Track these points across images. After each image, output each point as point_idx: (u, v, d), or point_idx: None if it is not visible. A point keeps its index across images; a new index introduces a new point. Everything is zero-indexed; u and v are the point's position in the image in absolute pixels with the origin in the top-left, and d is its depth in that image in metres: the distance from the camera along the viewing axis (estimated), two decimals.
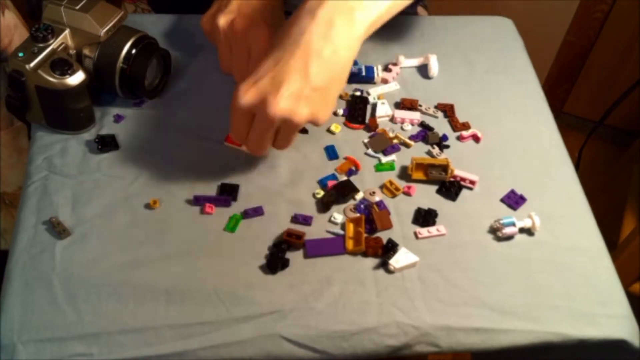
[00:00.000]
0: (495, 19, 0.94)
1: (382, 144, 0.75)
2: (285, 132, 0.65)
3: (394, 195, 0.71)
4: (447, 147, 0.76)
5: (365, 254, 0.66)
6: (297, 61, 0.61)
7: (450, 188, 0.71)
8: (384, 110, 0.79)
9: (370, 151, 0.74)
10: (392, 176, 0.73)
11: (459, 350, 0.61)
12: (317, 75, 0.61)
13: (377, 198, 0.70)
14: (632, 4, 1.56)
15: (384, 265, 0.65)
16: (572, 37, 1.69)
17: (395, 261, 0.64)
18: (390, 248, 0.66)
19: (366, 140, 0.76)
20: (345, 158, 0.74)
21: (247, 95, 0.61)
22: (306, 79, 0.61)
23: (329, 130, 0.77)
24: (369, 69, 0.83)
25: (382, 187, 0.72)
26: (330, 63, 0.62)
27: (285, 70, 0.61)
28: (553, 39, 1.70)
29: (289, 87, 0.60)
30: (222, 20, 0.71)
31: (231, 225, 0.67)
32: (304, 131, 0.76)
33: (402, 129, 0.78)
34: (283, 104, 0.60)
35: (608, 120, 1.43)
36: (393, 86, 0.82)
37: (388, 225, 0.68)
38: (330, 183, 0.71)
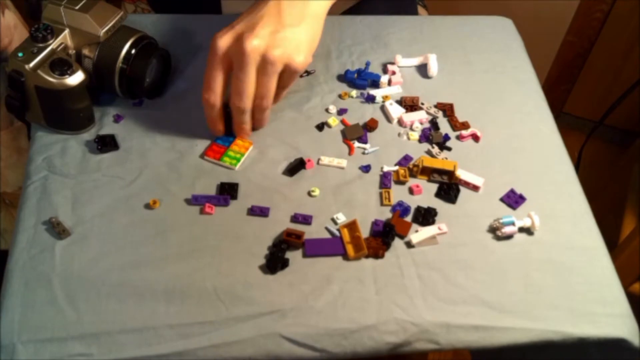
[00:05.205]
0: (495, 19, 0.94)
1: (356, 132, 0.77)
2: (265, 77, 0.66)
3: (398, 180, 0.71)
4: (448, 149, 0.76)
5: (366, 256, 0.66)
6: (271, 8, 0.67)
7: (449, 191, 0.71)
8: (398, 111, 0.79)
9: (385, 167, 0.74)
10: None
11: (458, 347, 0.61)
12: (289, 15, 0.66)
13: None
14: (632, 4, 1.56)
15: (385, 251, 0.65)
16: (572, 37, 1.69)
17: (416, 237, 0.65)
18: (388, 232, 0.66)
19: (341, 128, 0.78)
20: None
21: (224, 37, 0.66)
22: (279, 21, 0.66)
23: (327, 125, 0.77)
24: (374, 76, 0.83)
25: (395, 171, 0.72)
26: (302, 7, 0.68)
27: (259, 15, 0.66)
28: (553, 39, 1.70)
29: (263, 26, 0.65)
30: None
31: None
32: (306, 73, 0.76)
33: (412, 129, 0.78)
34: (257, 41, 0.64)
35: (608, 120, 1.43)
36: (395, 89, 0.82)
37: (409, 226, 0.68)
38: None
